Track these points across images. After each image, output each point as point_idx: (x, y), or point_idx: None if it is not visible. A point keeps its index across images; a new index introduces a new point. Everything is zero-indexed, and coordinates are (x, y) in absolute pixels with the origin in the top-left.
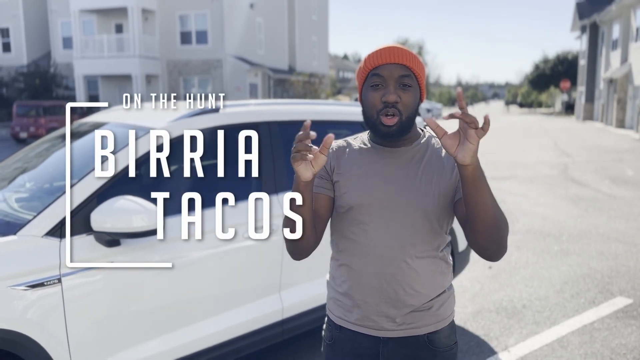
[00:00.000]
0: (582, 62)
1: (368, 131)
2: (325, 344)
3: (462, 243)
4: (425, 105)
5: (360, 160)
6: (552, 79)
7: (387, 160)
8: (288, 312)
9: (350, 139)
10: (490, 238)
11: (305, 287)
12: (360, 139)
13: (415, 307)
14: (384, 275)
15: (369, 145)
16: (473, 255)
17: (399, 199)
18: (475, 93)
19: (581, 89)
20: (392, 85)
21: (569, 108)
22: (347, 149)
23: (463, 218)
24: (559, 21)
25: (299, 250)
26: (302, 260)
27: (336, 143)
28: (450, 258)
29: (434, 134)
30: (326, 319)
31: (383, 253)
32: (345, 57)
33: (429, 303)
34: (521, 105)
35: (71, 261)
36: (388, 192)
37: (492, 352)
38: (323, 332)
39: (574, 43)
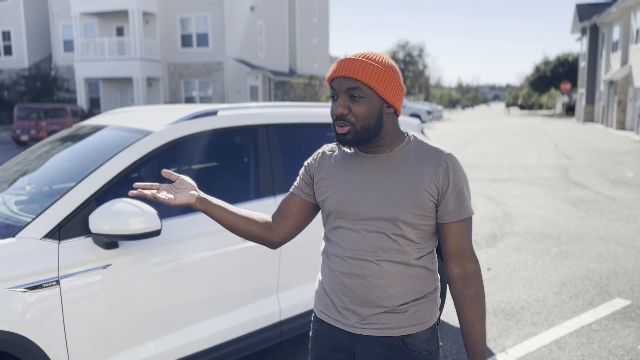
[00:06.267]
0: (583, 64)
1: None
2: (310, 336)
3: None
4: (426, 107)
5: (342, 165)
6: (552, 81)
7: (365, 166)
8: (286, 314)
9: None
10: None
11: (303, 289)
12: None
13: (388, 309)
14: (357, 277)
15: (353, 150)
16: None
17: (371, 206)
18: (476, 95)
19: (582, 90)
20: (342, 98)
21: (569, 110)
22: (333, 154)
23: (443, 251)
24: (560, 23)
25: (254, 240)
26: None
27: (329, 147)
28: (435, 264)
29: (420, 139)
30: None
31: (355, 256)
32: None
33: (403, 306)
34: (522, 107)
35: (69, 262)
36: (362, 198)
37: (490, 353)
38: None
39: (575, 45)
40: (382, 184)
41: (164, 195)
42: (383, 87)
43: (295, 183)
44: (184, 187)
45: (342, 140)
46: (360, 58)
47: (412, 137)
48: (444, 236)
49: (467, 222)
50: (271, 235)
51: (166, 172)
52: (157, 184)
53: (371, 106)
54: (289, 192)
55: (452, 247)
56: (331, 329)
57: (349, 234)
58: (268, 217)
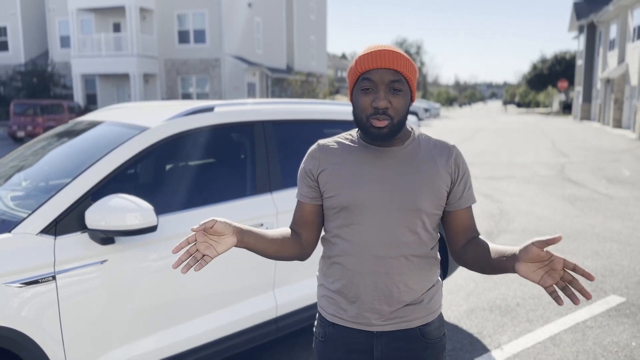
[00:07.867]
0: (580, 62)
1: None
2: (318, 340)
3: None
4: (423, 105)
5: (350, 159)
6: (549, 79)
7: (379, 159)
8: (282, 310)
9: (339, 137)
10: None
11: (299, 285)
12: (350, 138)
13: (408, 303)
14: (378, 274)
15: (359, 144)
16: None
17: (392, 198)
18: (474, 93)
19: (578, 89)
20: (383, 90)
21: (566, 108)
22: (336, 149)
23: (451, 236)
24: (557, 21)
25: (290, 260)
26: (304, 260)
27: (325, 142)
28: (439, 254)
29: (424, 133)
30: (317, 316)
31: (377, 252)
32: (344, 56)
33: (419, 297)
34: (519, 105)
35: (65, 258)
36: (380, 191)
37: (485, 349)
38: (314, 329)
39: (572, 43)
40: (399, 176)
41: (207, 251)
42: (414, 80)
43: (300, 191)
44: (221, 232)
45: (376, 134)
46: (395, 50)
47: (417, 132)
48: (453, 222)
49: (471, 208)
50: (304, 252)
51: (197, 229)
52: (193, 237)
53: (406, 99)
54: (298, 202)
55: (462, 230)
56: (346, 330)
57: (369, 230)
58: (289, 232)
